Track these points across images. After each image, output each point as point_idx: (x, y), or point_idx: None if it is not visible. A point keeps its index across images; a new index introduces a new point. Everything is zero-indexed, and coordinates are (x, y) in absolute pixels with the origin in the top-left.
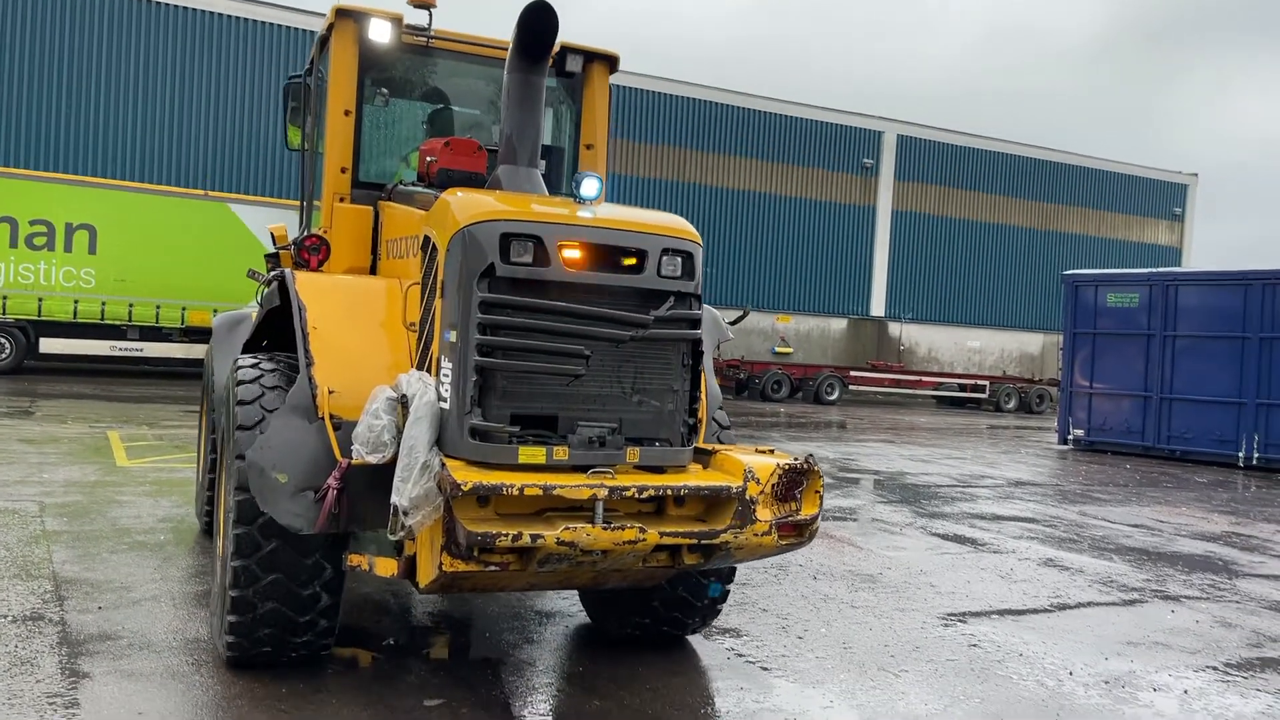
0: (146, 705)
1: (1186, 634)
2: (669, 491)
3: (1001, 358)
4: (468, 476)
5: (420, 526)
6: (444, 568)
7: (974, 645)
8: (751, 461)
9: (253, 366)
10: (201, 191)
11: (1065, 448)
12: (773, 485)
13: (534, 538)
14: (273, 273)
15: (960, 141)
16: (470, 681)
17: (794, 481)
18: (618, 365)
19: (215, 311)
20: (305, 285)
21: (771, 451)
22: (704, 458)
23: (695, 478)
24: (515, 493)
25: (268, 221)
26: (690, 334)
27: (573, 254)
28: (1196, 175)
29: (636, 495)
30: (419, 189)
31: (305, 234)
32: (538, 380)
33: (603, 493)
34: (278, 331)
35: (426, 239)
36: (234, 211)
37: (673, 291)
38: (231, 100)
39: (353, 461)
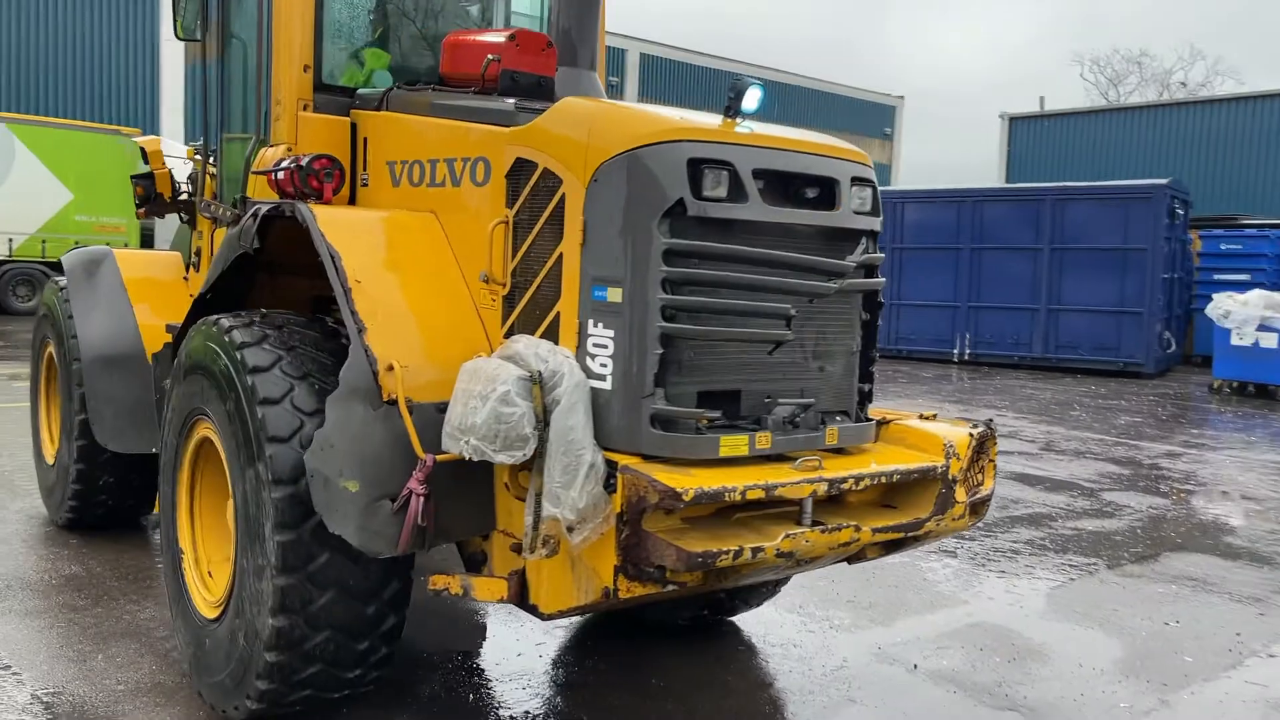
0: (64, 638)
1: None
2: (883, 479)
3: None
4: (680, 481)
5: (586, 543)
6: (620, 593)
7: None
8: (948, 434)
9: (258, 344)
10: None
11: None
12: (969, 460)
13: (755, 551)
14: (260, 205)
15: (699, 61)
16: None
17: (980, 453)
18: (800, 325)
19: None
20: (330, 225)
21: (935, 417)
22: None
23: (891, 458)
24: (738, 497)
25: None
26: (876, 283)
27: (760, 184)
28: (903, 98)
29: (854, 487)
30: (453, 95)
31: (314, 154)
32: (725, 349)
33: (822, 488)
34: (225, 282)
35: (523, 163)
36: None
37: (865, 231)
38: None
39: (439, 458)
